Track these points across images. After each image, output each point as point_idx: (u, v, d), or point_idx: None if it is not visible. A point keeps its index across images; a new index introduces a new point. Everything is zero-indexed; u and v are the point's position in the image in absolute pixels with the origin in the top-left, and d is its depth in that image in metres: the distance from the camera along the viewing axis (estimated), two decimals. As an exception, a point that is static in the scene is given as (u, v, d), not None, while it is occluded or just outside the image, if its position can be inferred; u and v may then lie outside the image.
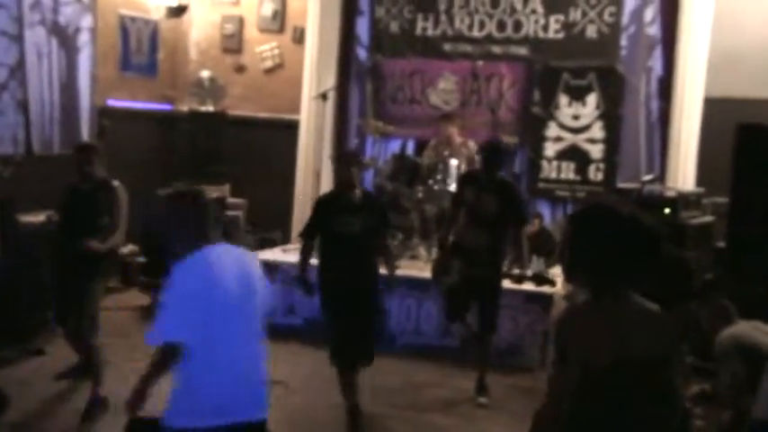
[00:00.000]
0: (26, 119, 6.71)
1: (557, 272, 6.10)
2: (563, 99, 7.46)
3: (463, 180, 5.50)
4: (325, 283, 4.69)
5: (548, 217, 7.38)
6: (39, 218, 5.90)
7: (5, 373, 5.20)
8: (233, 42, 8.50)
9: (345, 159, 4.87)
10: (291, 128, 8.08)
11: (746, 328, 3.87)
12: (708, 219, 5.97)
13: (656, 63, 7.21)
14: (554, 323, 2.28)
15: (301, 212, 7.96)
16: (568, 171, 7.46)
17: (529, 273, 5.22)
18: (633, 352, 2.16)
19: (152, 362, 2.89)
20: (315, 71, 8.02)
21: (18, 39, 6.56)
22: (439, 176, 6.70)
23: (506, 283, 5.33)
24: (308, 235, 4.81)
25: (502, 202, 5.06)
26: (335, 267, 4.62)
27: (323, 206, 4.79)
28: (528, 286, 5.62)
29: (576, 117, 7.42)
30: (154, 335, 2.82)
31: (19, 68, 6.61)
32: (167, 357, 2.84)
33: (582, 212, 2.32)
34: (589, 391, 2.12)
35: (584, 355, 2.13)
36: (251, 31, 8.46)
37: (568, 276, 2.34)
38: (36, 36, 6.75)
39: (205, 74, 8.45)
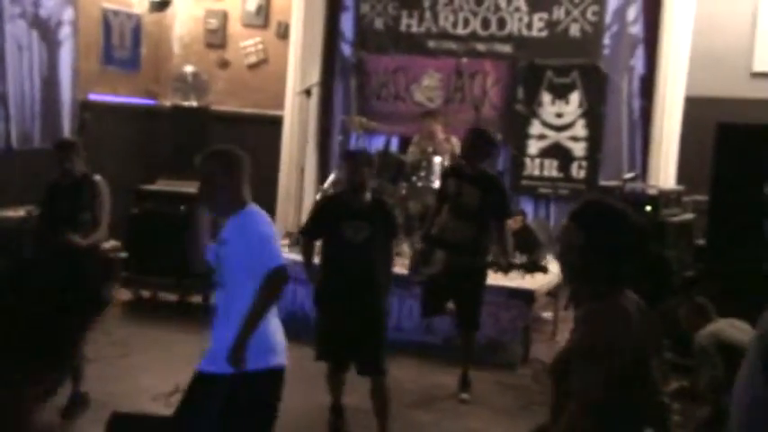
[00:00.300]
0: (6, 113, 6.65)
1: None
2: (546, 97, 7.50)
3: (446, 173, 5.49)
4: (325, 288, 4.44)
5: (530, 214, 7.42)
6: (19, 213, 5.85)
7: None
8: (216, 37, 8.47)
9: (356, 158, 4.45)
10: (275, 123, 8.06)
11: (724, 326, 3.92)
12: (688, 216, 6.03)
13: (638, 62, 7.27)
14: (592, 328, 2.21)
15: (285, 208, 7.96)
16: (551, 168, 7.50)
17: (518, 261, 5.15)
18: (640, 349, 2.19)
19: (262, 295, 3.08)
20: (299, 67, 8.01)
21: (-1, 32, 6.51)
22: (422, 173, 6.71)
23: (489, 279, 5.35)
24: (309, 234, 4.55)
25: (484, 195, 5.02)
26: (339, 274, 4.35)
27: (329, 207, 4.54)
28: (510, 282, 5.67)
29: (559, 115, 7.46)
30: (274, 259, 3.09)
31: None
32: (283, 281, 3.13)
33: (590, 211, 2.29)
34: (616, 392, 2.11)
35: (614, 355, 2.12)
36: (235, 26, 8.42)
37: (573, 276, 2.29)
38: (16, 29, 6.68)
39: (188, 69, 8.40)
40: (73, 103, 7.34)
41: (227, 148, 3.33)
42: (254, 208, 3.22)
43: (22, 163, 6.44)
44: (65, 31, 7.20)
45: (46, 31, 7.01)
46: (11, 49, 6.63)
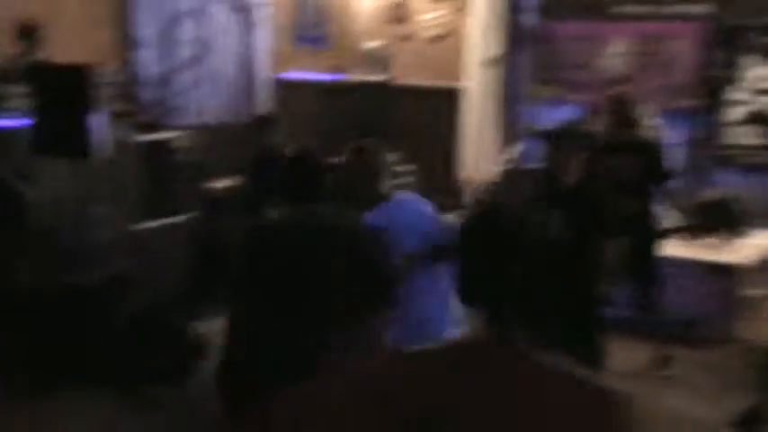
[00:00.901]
0: (213, 92, 7.22)
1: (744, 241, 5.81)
2: (747, 59, 6.97)
3: (596, 150, 5.19)
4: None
5: (729, 186, 6.95)
6: (226, 183, 6.31)
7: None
8: (399, 12, 8.60)
9: (560, 137, 3.71)
10: (458, 96, 8.10)
11: None
12: None
13: None
14: None
15: (467, 180, 7.99)
16: (754, 136, 6.99)
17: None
18: None
19: (441, 253, 3.31)
20: (480, 38, 7.97)
21: (204, 15, 7.04)
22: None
23: (685, 253, 5.11)
24: None
25: (641, 162, 4.74)
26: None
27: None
28: (708, 256, 5.39)
29: (763, 79, 6.92)
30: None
31: (206, 44, 7.10)
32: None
33: None
34: None
35: None
36: (416, 1, 8.52)
37: None
38: (219, 13, 7.20)
39: (373, 44, 8.62)
40: (268, 81, 7.80)
41: (366, 142, 3.47)
42: (400, 195, 3.38)
43: (227, 138, 6.93)
44: (261, 14, 7.64)
45: (244, 13, 7.48)
46: (215, 32, 7.16)
